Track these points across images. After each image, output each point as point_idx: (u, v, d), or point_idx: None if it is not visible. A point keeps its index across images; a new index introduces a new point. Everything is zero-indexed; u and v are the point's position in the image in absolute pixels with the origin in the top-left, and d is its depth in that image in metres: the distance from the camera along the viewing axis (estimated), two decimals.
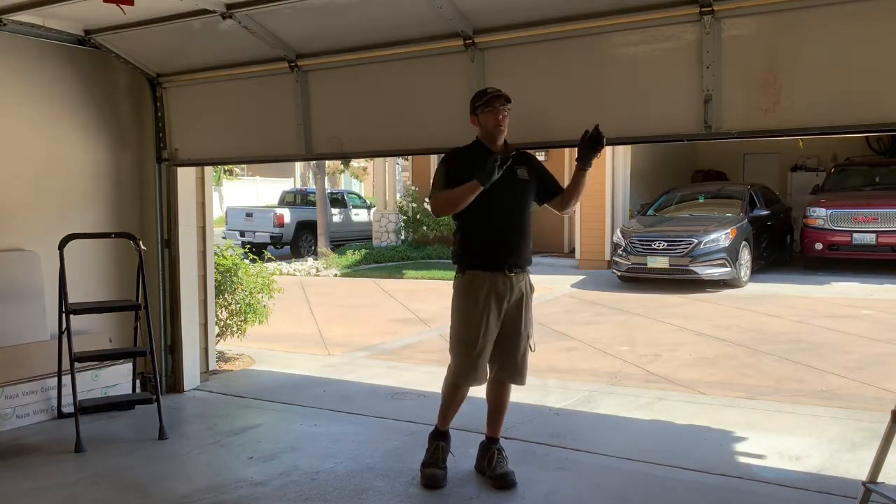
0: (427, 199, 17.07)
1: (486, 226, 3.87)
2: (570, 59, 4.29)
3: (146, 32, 5.13)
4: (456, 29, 4.42)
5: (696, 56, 3.89)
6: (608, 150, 14.44)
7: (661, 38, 4.01)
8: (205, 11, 4.64)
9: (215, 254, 6.80)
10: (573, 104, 4.32)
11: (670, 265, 11.66)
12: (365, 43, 4.83)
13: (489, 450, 4.11)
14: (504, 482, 3.98)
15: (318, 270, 15.66)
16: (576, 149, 3.95)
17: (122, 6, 4.36)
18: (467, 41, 4.46)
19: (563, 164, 16.74)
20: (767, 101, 3.76)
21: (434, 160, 18.38)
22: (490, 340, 3.90)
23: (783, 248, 14.09)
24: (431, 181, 4.08)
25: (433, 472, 4.03)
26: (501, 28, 4.39)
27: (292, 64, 5.12)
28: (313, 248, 18.91)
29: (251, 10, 4.63)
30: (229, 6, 4.61)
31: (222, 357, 7.01)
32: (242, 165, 40.43)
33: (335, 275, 15.27)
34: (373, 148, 5.54)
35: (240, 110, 5.56)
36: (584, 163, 3.95)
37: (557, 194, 4.13)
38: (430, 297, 11.33)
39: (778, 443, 4.61)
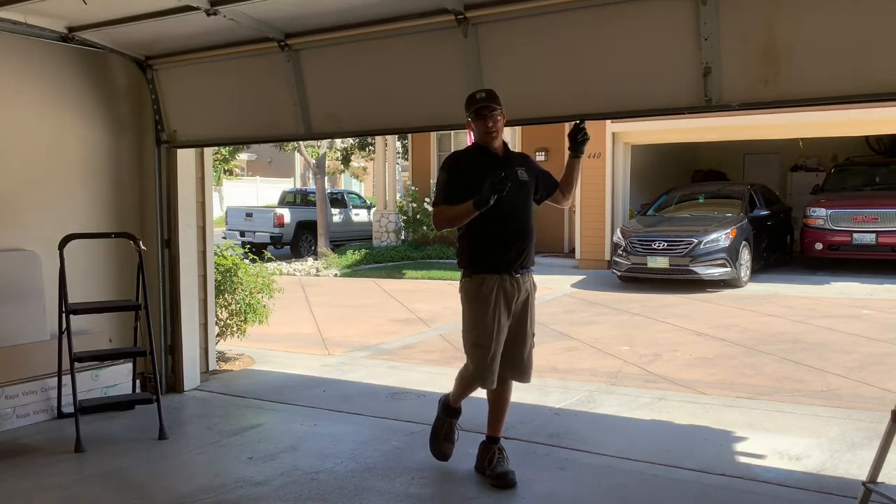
0: (427, 200, 17.08)
1: (494, 229, 3.87)
2: (566, 32, 4.25)
3: (130, 27, 5.10)
4: (445, 5, 4.35)
5: (694, 28, 3.85)
6: (608, 149, 14.48)
7: (659, 10, 3.98)
8: (189, 8, 4.62)
9: (215, 254, 6.80)
10: (570, 79, 4.29)
11: (670, 265, 11.66)
12: (354, 20, 4.77)
13: (490, 449, 4.11)
14: (504, 481, 3.97)
15: (318, 270, 15.66)
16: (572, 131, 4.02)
17: None
18: (458, 17, 4.38)
19: (562, 163, 16.71)
20: (767, 72, 3.73)
21: (434, 162, 18.42)
22: (502, 342, 3.93)
23: (783, 248, 14.09)
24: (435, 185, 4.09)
25: (445, 445, 4.23)
26: (494, 2, 4.33)
27: (282, 43, 5.08)
28: (313, 248, 18.92)
29: (236, 7, 4.60)
30: (213, 2, 4.58)
31: (222, 357, 7.01)
32: (242, 165, 40.50)
33: (335, 275, 15.26)
34: (372, 126, 5.52)
35: (236, 90, 5.53)
36: (576, 152, 4.08)
37: (556, 188, 4.19)
38: (430, 297, 11.33)
39: (778, 443, 4.61)
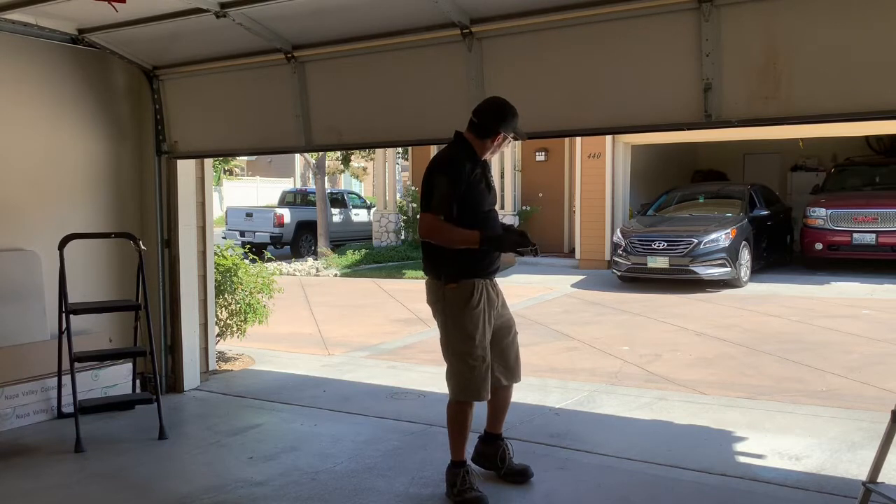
0: None
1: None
2: (568, 48, 4.28)
3: (140, 30, 5.12)
4: (452, 19, 4.40)
5: (696, 44, 3.88)
6: (608, 149, 14.47)
7: (661, 26, 4.00)
8: (198, 10, 4.63)
9: (215, 254, 6.80)
10: (571, 94, 4.32)
11: (670, 265, 11.66)
12: (361, 33, 4.82)
13: (498, 446, 4.12)
14: (523, 477, 4.04)
15: (318, 270, 15.66)
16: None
17: (115, 4, 4.33)
18: (464, 31, 4.45)
19: (562, 163, 16.77)
20: (767, 88, 3.75)
21: None
22: (490, 350, 3.83)
23: (783, 248, 14.09)
24: (421, 190, 3.85)
25: (476, 495, 3.74)
26: (498, 17, 4.37)
27: (289, 55, 5.12)
28: (313, 248, 18.93)
29: (245, 9, 4.63)
30: (223, 5, 4.60)
31: (222, 357, 7.01)
32: (242, 165, 40.55)
33: (335, 275, 15.26)
34: (373, 139, 5.54)
35: (239, 102, 5.55)
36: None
37: None
38: None
39: (778, 443, 4.61)
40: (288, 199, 21.91)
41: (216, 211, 12.94)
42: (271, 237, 19.14)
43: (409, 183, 19.76)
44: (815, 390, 5.98)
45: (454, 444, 3.86)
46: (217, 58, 5.44)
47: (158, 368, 5.40)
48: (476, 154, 3.79)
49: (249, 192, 34.35)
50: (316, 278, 14.98)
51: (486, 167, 3.88)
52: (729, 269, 11.47)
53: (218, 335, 6.92)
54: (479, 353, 3.74)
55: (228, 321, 7.00)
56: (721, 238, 11.57)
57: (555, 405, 5.56)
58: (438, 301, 3.83)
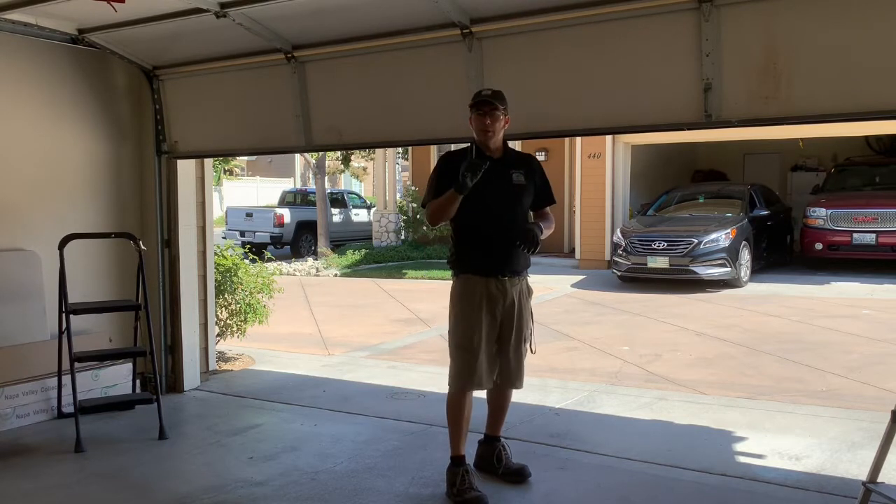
0: None
1: (477, 231, 3.82)
2: (568, 48, 4.29)
3: (140, 30, 5.12)
4: (452, 19, 4.41)
5: (696, 44, 3.88)
6: (608, 149, 14.47)
7: (661, 26, 4.00)
8: (199, 10, 4.64)
9: (215, 254, 6.80)
10: (572, 94, 4.32)
11: (670, 265, 11.66)
12: (361, 33, 4.82)
13: (494, 448, 4.13)
14: (521, 477, 4.04)
15: (318, 270, 15.66)
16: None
17: (114, 4, 4.33)
18: (464, 31, 4.46)
19: (562, 163, 16.77)
20: (768, 88, 3.75)
21: (434, 162, 18.42)
22: (486, 345, 3.84)
23: (783, 248, 14.09)
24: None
25: (476, 495, 3.76)
26: (498, 17, 4.38)
27: (289, 55, 5.12)
28: (313, 248, 18.93)
29: (245, 9, 4.63)
30: (223, 5, 4.61)
31: (222, 357, 7.01)
32: (242, 165, 40.55)
33: (335, 275, 15.27)
34: (373, 139, 5.55)
35: (239, 102, 5.56)
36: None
37: (538, 209, 4.06)
38: (431, 296, 11.33)
39: (778, 443, 4.61)
40: (288, 199, 21.92)
41: (216, 211, 12.93)
42: (271, 237, 19.14)
43: (409, 183, 19.75)
44: (815, 390, 5.98)
45: (450, 437, 3.95)
46: (217, 58, 5.45)
47: (158, 368, 5.40)
48: (479, 148, 3.83)
49: (249, 192, 34.36)
50: (316, 278, 14.98)
51: (498, 162, 3.84)
52: (729, 269, 11.47)
53: (218, 335, 6.92)
54: (464, 345, 3.83)
55: (228, 321, 7.00)
56: (721, 238, 11.57)
57: (555, 405, 5.56)
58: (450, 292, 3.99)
